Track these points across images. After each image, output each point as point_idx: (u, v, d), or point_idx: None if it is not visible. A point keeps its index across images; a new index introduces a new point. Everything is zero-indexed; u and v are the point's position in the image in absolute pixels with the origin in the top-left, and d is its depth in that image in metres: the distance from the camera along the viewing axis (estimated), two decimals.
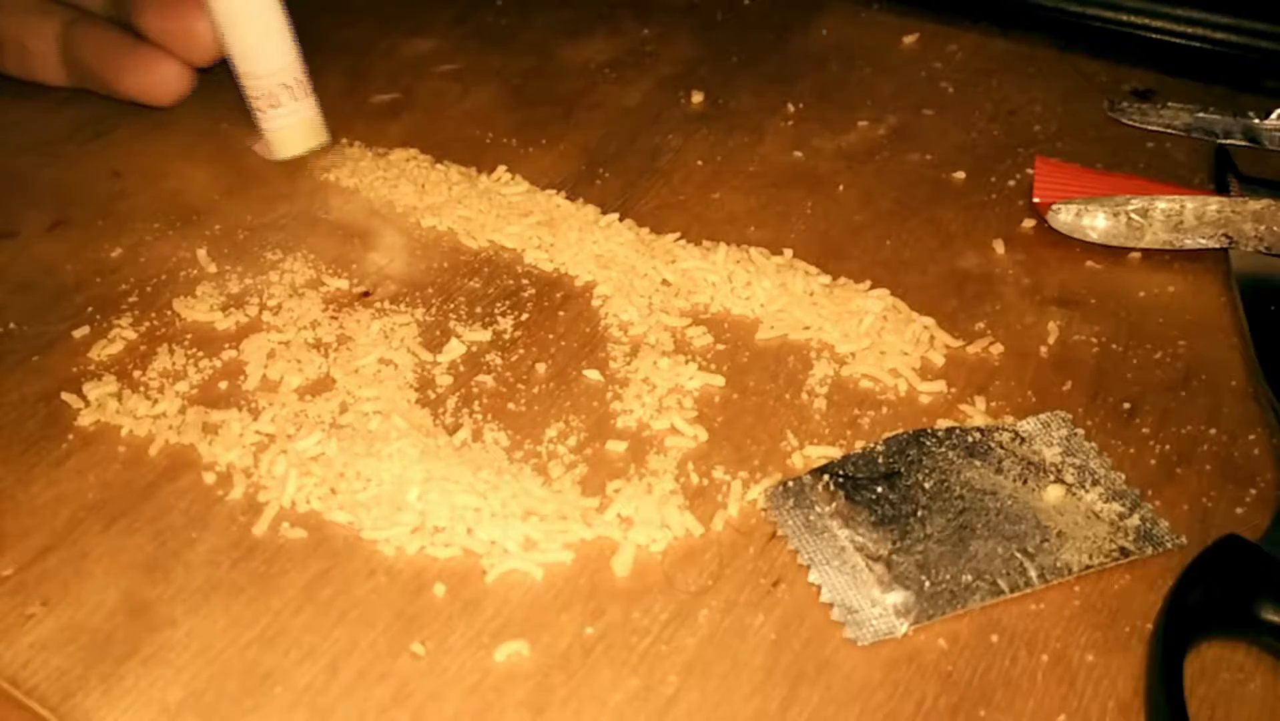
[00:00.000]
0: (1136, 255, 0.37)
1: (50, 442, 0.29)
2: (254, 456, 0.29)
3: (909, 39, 0.50)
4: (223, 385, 0.31)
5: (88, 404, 0.30)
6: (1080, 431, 0.31)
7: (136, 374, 0.31)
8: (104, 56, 0.40)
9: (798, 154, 0.42)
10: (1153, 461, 0.30)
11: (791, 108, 0.44)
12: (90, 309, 0.33)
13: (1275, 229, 0.36)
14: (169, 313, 0.33)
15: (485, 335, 0.33)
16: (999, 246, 0.38)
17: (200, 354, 0.32)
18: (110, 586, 0.26)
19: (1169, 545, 0.28)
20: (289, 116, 0.39)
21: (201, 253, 0.35)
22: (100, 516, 0.28)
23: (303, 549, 0.27)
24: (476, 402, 0.31)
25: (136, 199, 0.37)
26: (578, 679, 0.25)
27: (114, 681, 0.24)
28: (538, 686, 0.25)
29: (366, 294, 0.34)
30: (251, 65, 0.37)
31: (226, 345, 0.32)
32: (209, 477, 0.29)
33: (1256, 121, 0.44)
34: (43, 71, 0.42)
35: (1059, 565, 0.27)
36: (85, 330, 0.32)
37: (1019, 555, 0.27)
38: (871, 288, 0.35)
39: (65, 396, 0.30)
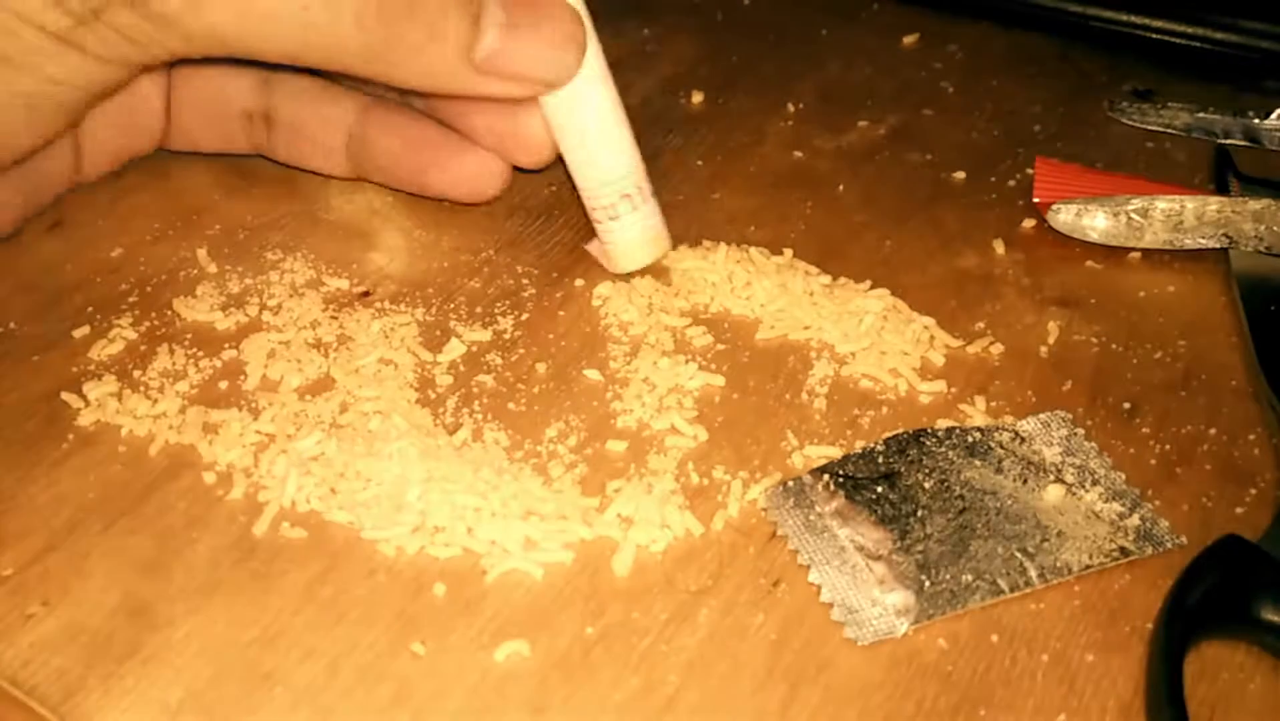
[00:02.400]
0: (1136, 255, 0.38)
1: (50, 442, 0.29)
2: (254, 456, 0.29)
3: (909, 39, 0.50)
4: (223, 385, 0.31)
5: (88, 403, 0.30)
6: (1080, 431, 0.31)
7: (136, 374, 0.31)
8: (410, 151, 0.35)
9: (798, 154, 0.42)
10: (1153, 461, 0.30)
11: (791, 108, 0.44)
12: (90, 309, 0.33)
13: (1275, 229, 0.36)
14: (169, 312, 0.33)
15: (485, 335, 0.33)
16: (999, 246, 0.38)
17: (200, 354, 0.32)
18: (110, 586, 0.26)
19: (1169, 545, 0.28)
20: (631, 228, 0.34)
21: (202, 253, 0.35)
22: (100, 516, 0.28)
23: (303, 549, 0.27)
24: (477, 402, 0.31)
25: (137, 199, 0.37)
26: (578, 678, 0.25)
27: (114, 681, 0.24)
28: (538, 686, 0.25)
29: (367, 294, 0.34)
30: (591, 173, 0.34)
31: (226, 345, 0.32)
32: (209, 477, 0.29)
33: (1257, 121, 0.44)
34: (320, 160, 0.37)
35: (1059, 565, 0.27)
36: (85, 330, 0.32)
37: (1019, 555, 0.27)
38: (872, 287, 0.35)
39: (65, 396, 0.30)
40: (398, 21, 0.29)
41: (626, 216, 0.34)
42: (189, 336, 0.32)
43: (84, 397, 0.30)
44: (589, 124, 0.33)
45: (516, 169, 0.35)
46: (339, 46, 0.29)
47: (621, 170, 0.33)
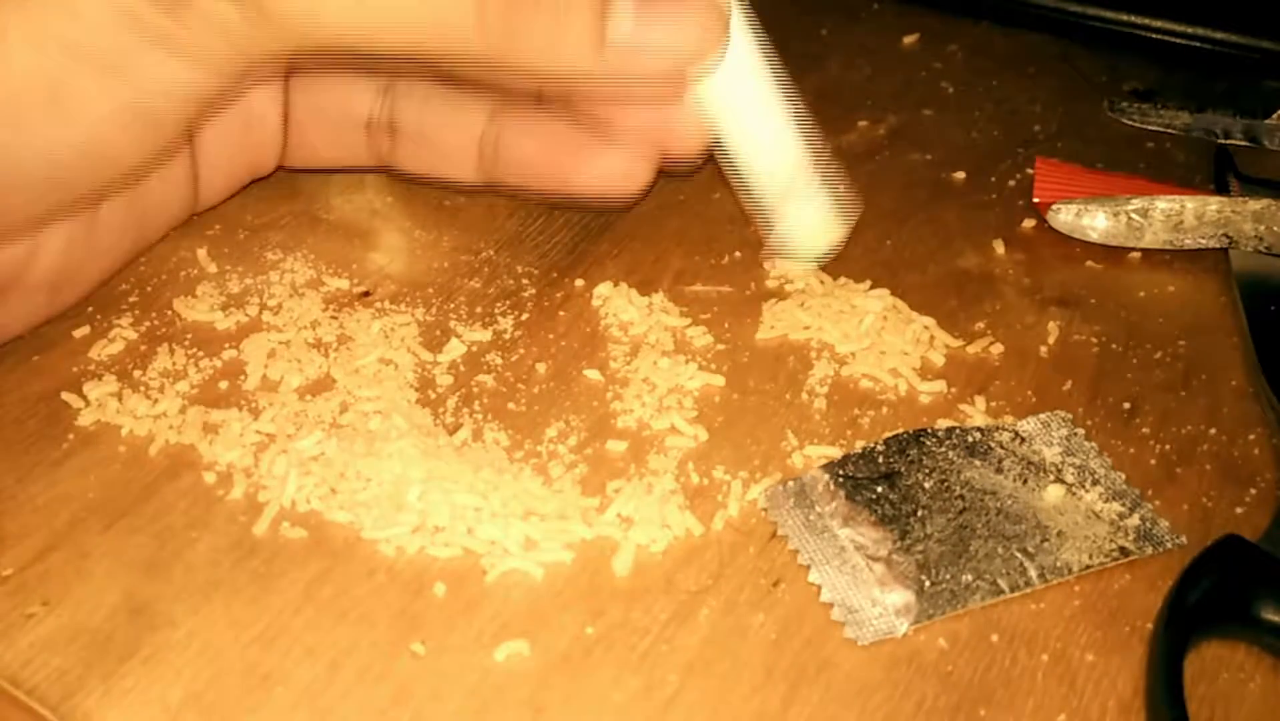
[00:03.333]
0: (1136, 255, 0.38)
1: (50, 442, 0.29)
2: (254, 456, 0.29)
3: (909, 39, 0.50)
4: (223, 385, 0.31)
5: (88, 403, 0.30)
6: (1080, 431, 0.31)
7: (137, 373, 0.31)
8: (548, 153, 0.33)
9: None
10: (1153, 461, 0.30)
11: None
12: (90, 308, 0.33)
13: (1275, 229, 0.36)
14: (169, 312, 0.33)
15: (486, 335, 0.33)
16: (999, 246, 0.38)
17: (200, 353, 0.32)
18: (111, 586, 0.26)
19: (1169, 545, 0.28)
20: (806, 215, 0.33)
21: (202, 252, 0.35)
22: (101, 516, 0.28)
23: (303, 549, 0.27)
24: (477, 402, 0.31)
25: None
26: (578, 678, 0.25)
27: (114, 681, 0.24)
28: (538, 686, 0.25)
29: (367, 294, 0.34)
30: (758, 163, 0.32)
31: (227, 345, 0.32)
32: (209, 477, 0.29)
33: (1257, 121, 0.44)
34: (449, 168, 0.35)
35: (1059, 565, 0.27)
36: (85, 330, 0.32)
37: (1019, 555, 0.27)
38: (872, 287, 0.35)
39: (65, 396, 0.30)
40: (522, 6, 0.27)
41: (804, 201, 0.32)
42: (189, 336, 0.32)
43: (84, 397, 0.30)
44: (752, 107, 0.31)
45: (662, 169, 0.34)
46: (458, 36, 0.27)
47: (794, 153, 0.32)
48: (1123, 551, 0.28)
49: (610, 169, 0.33)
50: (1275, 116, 0.43)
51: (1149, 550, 0.28)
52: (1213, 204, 0.37)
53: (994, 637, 0.26)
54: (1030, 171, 0.41)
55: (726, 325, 0.34)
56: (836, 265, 0.36)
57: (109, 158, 0.28)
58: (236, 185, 0.36)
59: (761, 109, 0.31)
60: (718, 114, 0.31)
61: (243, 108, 0.34)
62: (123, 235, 0.32)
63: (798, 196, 0.32)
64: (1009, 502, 0.29)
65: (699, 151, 0.32)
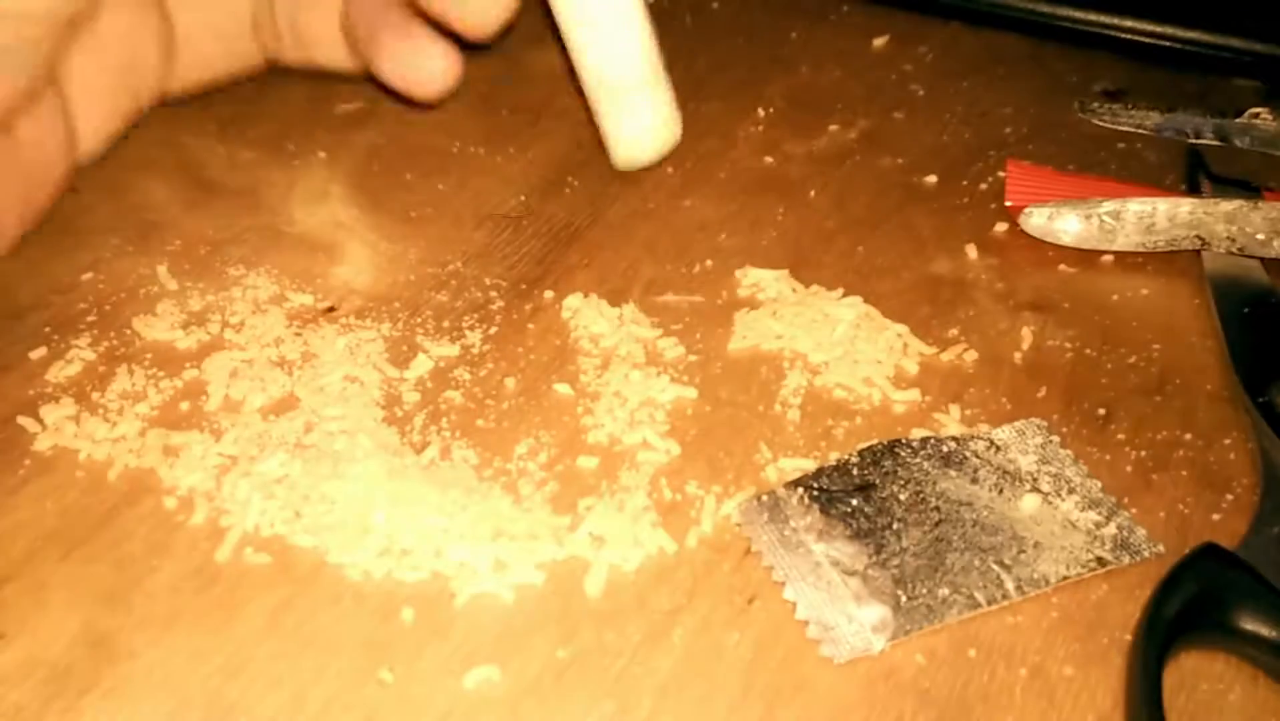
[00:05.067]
0: (1109, 258, 0.37)
1: (5, 469, 0.28)
2: (216, 479, 0.28)
3: (879, 41, 0.50)
4: (184, 406, 0.30)
5: (44, 428, 0.29)
6: (1056, 438, 0.30)
7: (95, 396, 0.30)
8: (371, 36, 0.33)
9: (768, 159, 0.42)
10: (1129, 468, 0.30)
11: (761, 112, 0.44)
12: (47, 329, 0.32)
13: (1247, 230, 0.36)
14: (128, 332, 0.32)
15: (453, 350, 0.33)
16: (971, 251, 0.37)
17: (161, 374, 0.31)
18: (69, 617, 0.25)
19: (1146, 554, 0.28)
20: (647, 116, 0.32)
21: (162, 269, 0.34)
22: (58, 544, 0.27)
23: (267, 575, 0.26)
24: (445, 419, 0.31)
25: (95, 214, 0.37)
26: (550, 704, 0.24)
27: (74, 716, 0.24)
28: (509, 712, 0.24)
29: (331, 309, 0.34)
30: (602, 57, 0.31)
31: (188, 364, 0.31)
32: (170, 502, 0.28)
33: (1228, 121, 0.44)
34: (325, 52, 0.36)
35: (1036, 577, 0.27)
36: (42, 351, 0.32)
37: (995, 567, 0.27)
38: (844, 295, 0.35)
39: (21, 420, 0.29)
40: None
41: (644, 103, 0.31)
42: (149, 356, 0.32)
43: (41, 421, 0.30)
44: (609, 9, 0.30)
45: (463, 46, 0.33)
46: None
47: (638, 55, 0.31)
48: (1100, 561, 0.27)
49: (415, 56, 0.33)
50: (1246, 116, 0.43)
51: (1126, 559, 0.27)
52: (1185, 205, 0.36)
53: (972, 652, 0.26)
54: (1002, 174, 0.40)
55: (698, 336, 0.34)
56: (808, 272, 0.36)
57: None
58: (121, 122, 0.35)
59: (616, 7, 0.31)
60: (571, 11, 0.31)
61: (110, 32, 0.32)
62: (6, 207, 0.31)
63: (638, 95, 0.31)
64: (985, 513, 0.28)
65: (495, 32, 0.32)
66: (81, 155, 0.34)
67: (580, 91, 0.33)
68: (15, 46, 0.26)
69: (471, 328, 0.33)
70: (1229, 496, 0.30)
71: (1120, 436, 0.31)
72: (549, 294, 0.35)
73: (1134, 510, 0.29)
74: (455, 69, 0.33)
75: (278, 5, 0.35)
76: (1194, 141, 0.43)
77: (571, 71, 0.32)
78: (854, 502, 0.28)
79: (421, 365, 0.32)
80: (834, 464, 0.29)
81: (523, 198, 0.39)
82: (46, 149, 0.32)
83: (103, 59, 0.32)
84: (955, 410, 0.31)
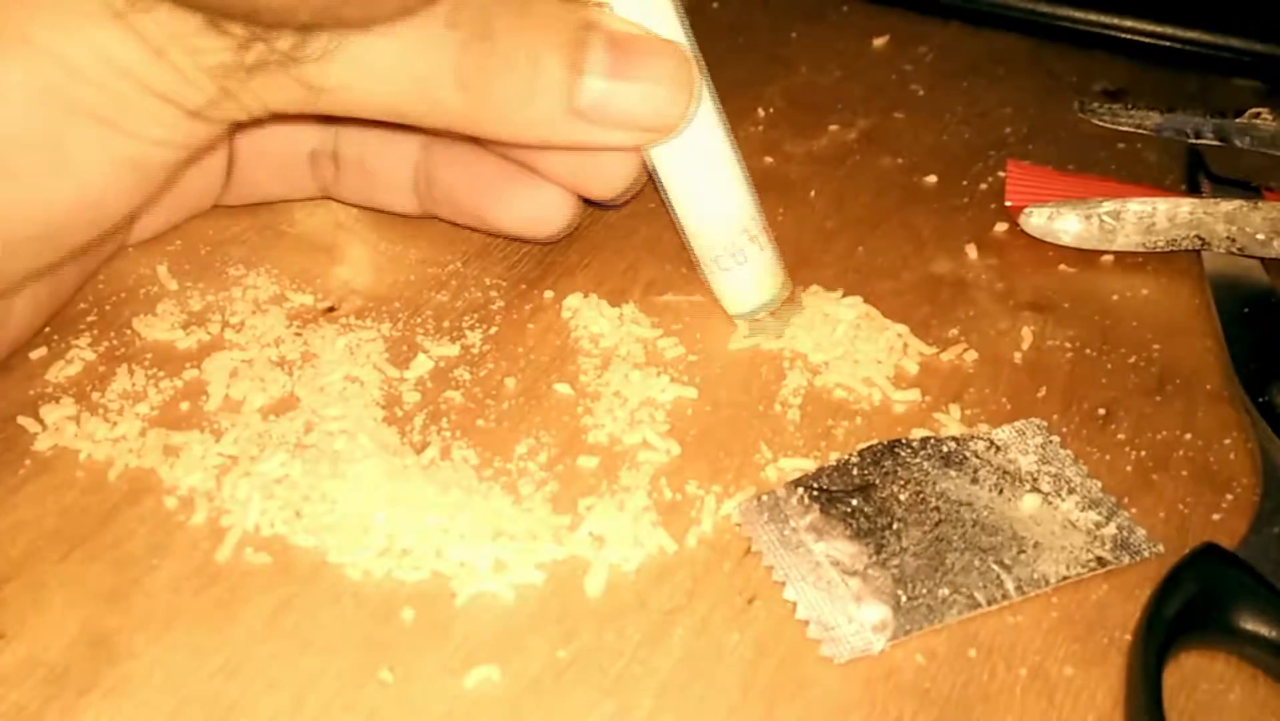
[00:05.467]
0: (1109, 258, 0.37)
1: (5, 469, 0.28)
2: (216, 479, 0.28)
3: (879, 41, 0.50)
4: (184, 406, 0.30)
5: (45, 428, 0.29)
6: (1056, 439, 0.30)
7: (95, 396, 0.30)
8: (473, 187, 0.33)
9: (768, 159, 0.42)
10: (1129, 468, 0.30)
11: (761, 112, 0.44)
12: (47, 329, 0.32)
13: (1247, 230, 0.36)
14: (128, 331, 0.32)
15: (453, 350, 0.33)
16: (972, 251, 0.37)
17: (161, 374, 0.31)
18: (69, 617, 0.25)
19: (1146, 554, 0.28)
20: (749, 269, 0.32)
21: (162, 269, 0.34)
22: (58, 544, 0.27)
23: (267, 575, 0.26)
24: (445, 419, 0.31)
25: None
26: (550, 704, 0.24)
27: (73, 716, 0.24)
28: (509, 712, 0.24)
29: (331, 309, 0.34)
30: (706, 216, 0.31)
31: (188, 364, 0.31)
32: (170, 502, 0.28)
33: (1228, 120, 0.44)
34: (390, 198, 0.35)
35: (1036, 576, 0.27)
36: (42, 351, 0.31)
37: (995, 567, 0.27)
38: (844, 295, 0.35)
39: (21, 420, 0.29)
40: (497, 73, 0.27)
41: (748, 256, 0.32)
42: (149, 356, 0.32)
43: (41, 421, 0.29)
44: (704, 165, 0.31)
45: (587, 202, 0.33)
46: (440, 104, 0.27)
47: (739, 212, 0.31)
48: (1100, 561, 0.27)
49: (530, 208, 0.33)
50: (1246, 116, 0.43)
51: (1126, 559, 0.27)
52: (1185, 205, 0.36)
53: (972, 652, 0.26)
54: (1002, 174, 0.40)
55: (698, 336, 0.34)
56: (809, 273, 0.36)
57: (102, 208, 0.27)
58: (168, 226, 0.36)
59: (710, 164, 0.31)
60: (665, 166, 0.31)
61: None
62: (68, 288, 0.32)
63: (740, 253, 0.32)
64: (985, 513, 0.28)
65: (620, 191, 0.32)
66: (130, 244, 0.35)
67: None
68: (158, 169, 0.27)
69: (471, 327, 0.33)
70: (1229, 496, 0.30)
71: (1120, 436, 0.31)
72: (549, 294, 0.35)
73: (1134, 510, 0.29)
74: (576, 207, 0.33)
75: (342, 147, 0.35)
76: (1194, 141, 0.43)
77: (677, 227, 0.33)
78: (854, 502, 0.28)
79: (421, 365, 0.32)
80: (834, 464, 0.29)
81: None
82: (101, 248, 0.33)
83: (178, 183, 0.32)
84: (955, 410, 0.31)
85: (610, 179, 0.32)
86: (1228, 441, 0.31)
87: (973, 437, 0.30)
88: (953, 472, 0.29)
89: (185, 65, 0.25)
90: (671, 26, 0.30)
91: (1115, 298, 0.36)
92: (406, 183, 0.35)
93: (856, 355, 0.33)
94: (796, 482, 0.29)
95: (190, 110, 0.26)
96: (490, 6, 0.27)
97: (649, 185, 0.32)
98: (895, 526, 0.28)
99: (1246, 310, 0.35)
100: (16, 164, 0.25)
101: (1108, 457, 0.30)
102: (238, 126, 0.28)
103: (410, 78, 0.27)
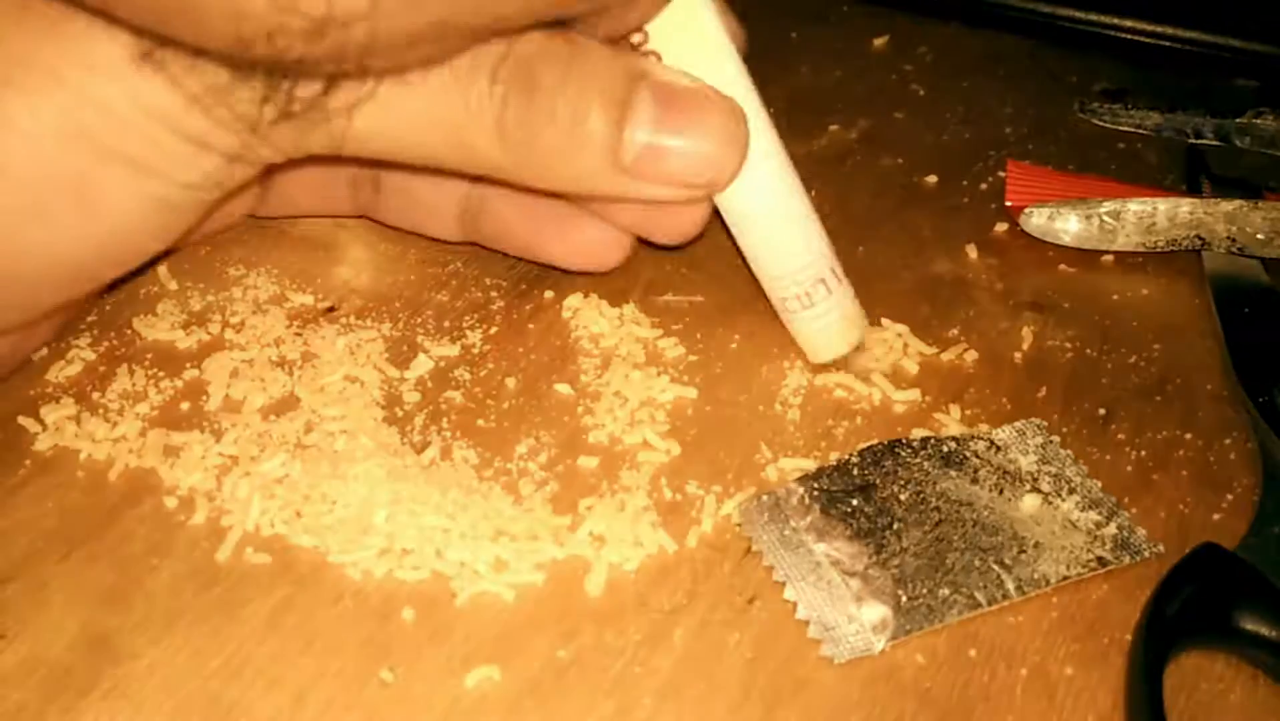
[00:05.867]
0: (1109, 258, 0.37)
1: (6, 469, 0.28)
2: (217, 479, 0.28)
3: (879, 41, 0.50)
4: (184, 406, 0.30)
5: (45, 428, 0.29)
6: (1056, 439, 0.30)
7: (95, 396, 0.30)
8: (526, 220, 0.33)
9: None
10: (1129, 468, 0.30)
11: None
12: None
13: (1248, 230, 0.36)
14: (129, 331, 0.32)
15: (454, 350, 0.33)
16: (972, 251, 0.37)
17: (161, 374, 0.31)
18: (70, 617, 0.25)
19: (1146, 554, 0.28)
20: (827, 314, 0.31)
21: (162, 269, 0.34)
22: (59, 544, 0.27)
23: (267, 575, 0.26)
24: (445, 419, 0.31)
25: None
26: (550, 704, 0.24)
27: (74, 716, 0.24)
28: (509, 712, 0.24)
29: (332, 309, 0.34)
30: (776, 261, 0.31)
31: (188, 364, 0.31)
32: (170, 502, 0.28)
33: (1228, 120, 0.44)
34: (431, 224, 0.35)
35: (1036, 577, 0.27)
36: (43, 351, 0.31)
37: (996, 567, 0.27)
38: None
39: (21, 420, 0.29)
40: (540, 127, 0.26)
41: (820, 304, 0.31)
42: (149, 356, 0.32)
43: (41, 422, 0.29)
44: (767, 210, 0.30)
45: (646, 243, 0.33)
46: (479, 149, 0.27)
47: (809, 255, 0.31)
48: (1100, 561, 0.27)
49: (589, 243, 0.32)
50: (1246, 116, 0.43)
51: (1126, 559, 0.27)
52: (1185, 205, 0.36)
53: (972, 652, 0.26)
54: (1002, 174, 0.40)
55: (699, 336, 0.34)
56: None
57: (131, 247, 0.27)
58: (201, 239, 0.35)
59: (780, 202, 0.30)
60: (735, 210, 0.30)
61: None
62: (90, 300, 0.32)
63: (821, 294, 0.31)
64: (985, 513, 0.28)
65: (689, 237, 0.32)
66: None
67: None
68: (190, 209, 0.27)
69: (472, 327, 0.33)
70: (1229, 496, 0.30)
71: (1120, 436, 0.31)
72: (549, 294, 0.35)
73: (1134, 510, 0.29)
74: (633, 242, 0.33)
75: (385, 175, 0.34)
76: (1194, 141, 0.43)
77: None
78: (854, 502, 0.28)
79: (422, 365, 0.32)
80: (834, 464, 0.29)
81: None
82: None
83: None
84: (955, 410, 0.31)
85: (678, 227, 0.31)
86: (1228, 441, 0.31)
87: (973, 437, 0.30)
88: (953, 472, 0.29)
89: (216, 111, 0.24)
90: (726, 72, 0.29)
91: (1115, 297, 0.36)
92: (453, 210, 0.34)
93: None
94: (797, 482, 0.29)
95: (222, 153, 0.25)
96: (535, 59, 0.26)
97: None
98: (895, 526, 0.28)
99: (1246, 310, 0.35)
100: (46, 204, 0.25)
101: (1108, 457, 0.30)
102: (273, 167, 0.27)
103: (446, 128, 0.26)
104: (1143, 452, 0.31)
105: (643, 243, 0.33)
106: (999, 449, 0.30)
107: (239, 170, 0.26)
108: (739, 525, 0.28)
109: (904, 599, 0.26)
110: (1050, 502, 0.29)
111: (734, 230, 0.31)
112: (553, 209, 0.32)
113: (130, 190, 0.25)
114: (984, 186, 0.41)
